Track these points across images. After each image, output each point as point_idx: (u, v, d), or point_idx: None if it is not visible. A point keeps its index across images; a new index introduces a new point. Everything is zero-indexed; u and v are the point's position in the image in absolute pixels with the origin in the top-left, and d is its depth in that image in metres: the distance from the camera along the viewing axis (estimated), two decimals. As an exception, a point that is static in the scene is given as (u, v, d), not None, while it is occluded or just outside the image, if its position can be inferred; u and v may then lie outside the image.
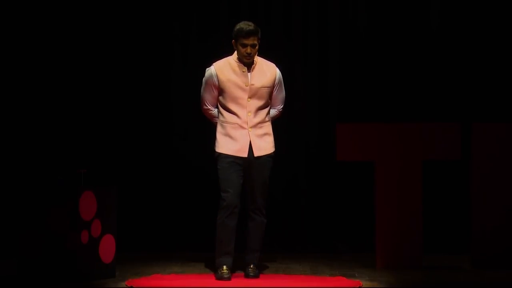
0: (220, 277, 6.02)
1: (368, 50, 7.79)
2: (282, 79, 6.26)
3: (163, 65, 7.82)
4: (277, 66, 6.27)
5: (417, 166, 6.65)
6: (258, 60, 6.17)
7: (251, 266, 6.13)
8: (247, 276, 6.10)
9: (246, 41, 6.04)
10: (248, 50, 6.05)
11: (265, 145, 6.16)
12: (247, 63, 6.10)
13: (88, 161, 7.30)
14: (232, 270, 6.13)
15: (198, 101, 6.28)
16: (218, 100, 6.18)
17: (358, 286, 5.82)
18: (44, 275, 5.92)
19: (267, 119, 6.20)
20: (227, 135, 6.14)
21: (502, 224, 6.62)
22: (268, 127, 6.20)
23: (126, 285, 5.79)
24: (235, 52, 6.13)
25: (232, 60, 6.15)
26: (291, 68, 7.69)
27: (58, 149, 7.64)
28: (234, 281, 5.99)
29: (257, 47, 6.09)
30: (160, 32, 7.82)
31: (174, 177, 7.77)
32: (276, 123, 6.45)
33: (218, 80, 6.12)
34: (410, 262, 6.62)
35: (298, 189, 7.81)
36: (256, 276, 6.09)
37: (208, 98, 6.21)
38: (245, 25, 6.08)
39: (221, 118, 6.18)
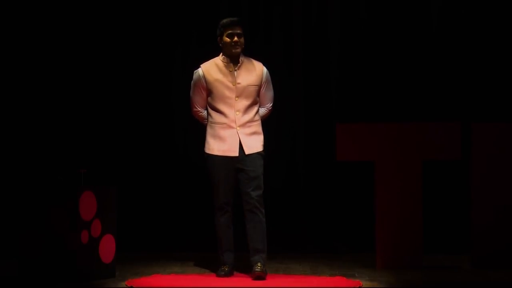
0: (217, 274, 6.14)
1: (368, 50, 7.78)
2: (269, 78, 6.26)
3: (163, 65, 7.82)
4: (277, 66, 6.27)
5: (417, 166, 6.65)
6: (245, 59, 6.18)
7: (258, 265, 6.05)
8: (253, 273, 6.01)
9: (232, 30, 6.08)
10: (235, 38, 6.07)
11: (254, 144, 6.15)
12: (234, 58, 6.11)
13: (88, 161, 7.30)
14: (235, 267, 6.21)
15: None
16: (207, 102, 6.19)
17: (358, 286, 5.82)
18: (44, 275, 5.92)
19: (256, 118, 6.20)
20: (216, 136, 6.14)
21: (502, 224, 6.62)
22: (257, 126, 6.19)
23: (126, 285, 5.79)
24: (221, 52, 6.16)
25: (218, 60, 6.18)
26: (291, 68, 7.68)
27: (58, 149, 7.64)
28: (235, 281, 5.99)
29: (243, 39, 6.10)
30: (160, 33, 7.82)
31: (174, 177, 7.77)
32: (276, 123, 6.45)
33: (206, 81, 6.14)
34: (410, 262, 6.62)
35: (298, 189, 7.80)
36: (263, 272, 6.00)
37: (198, 100, 6.22)
38: (227, 18, 6.15)
39: (210, 119, 6.19)
